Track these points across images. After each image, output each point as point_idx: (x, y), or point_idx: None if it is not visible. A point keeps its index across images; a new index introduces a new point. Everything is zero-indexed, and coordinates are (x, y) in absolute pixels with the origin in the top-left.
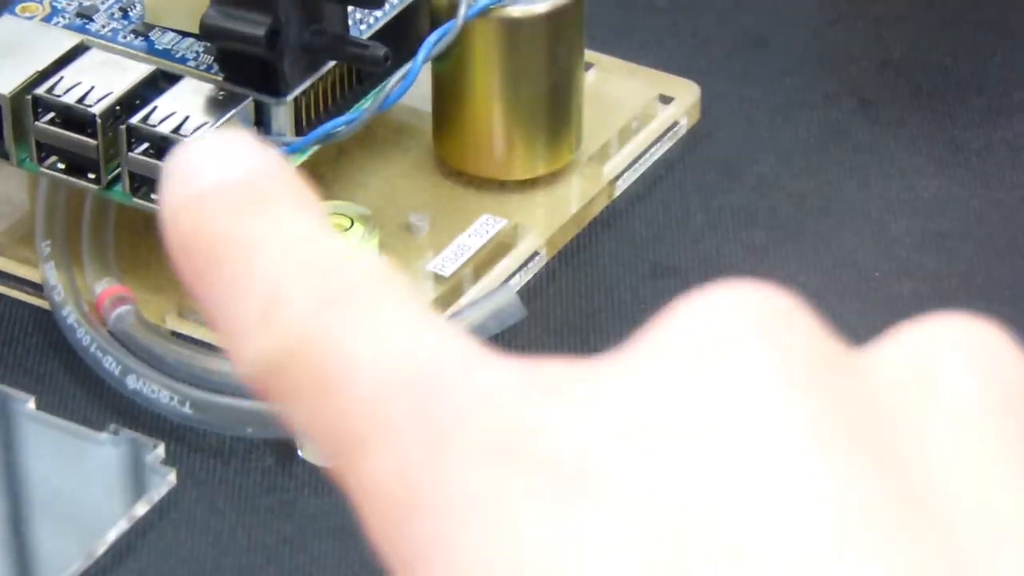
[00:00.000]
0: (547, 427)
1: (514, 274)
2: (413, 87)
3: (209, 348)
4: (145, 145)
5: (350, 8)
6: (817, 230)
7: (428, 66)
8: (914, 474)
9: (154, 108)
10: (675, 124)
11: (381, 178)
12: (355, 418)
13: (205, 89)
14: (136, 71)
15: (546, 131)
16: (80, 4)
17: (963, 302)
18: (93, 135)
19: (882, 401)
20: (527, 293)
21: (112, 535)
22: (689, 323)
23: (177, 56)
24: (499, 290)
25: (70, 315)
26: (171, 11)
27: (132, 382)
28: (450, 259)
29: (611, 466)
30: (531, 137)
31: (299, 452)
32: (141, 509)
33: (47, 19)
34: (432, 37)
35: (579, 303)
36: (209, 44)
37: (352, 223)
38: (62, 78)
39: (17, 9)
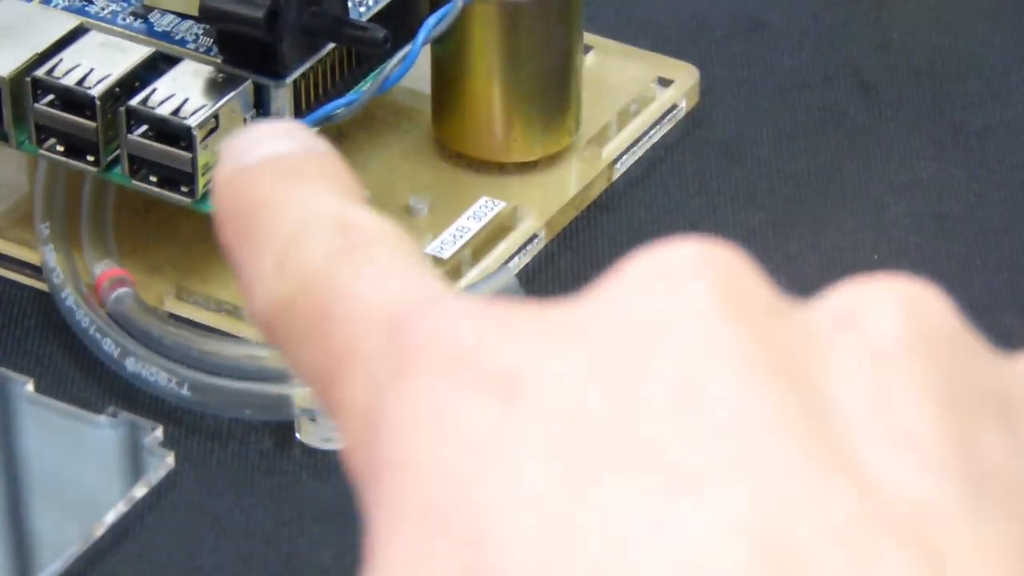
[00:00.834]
0: (495, 346)
1: (513, 256)
2: (412, 69)
3: (207, 330)
4: (144, 127)
5: None
6: (816, 212)
7: (427, 48)
8: (821, 399)
9: (153, 90)
10: (674, 107)
11: (380, 160)
12: (338, 351)
13: (204, 71)
14: (135, 53)
15: (545, 114)
16: None
17: (962, 283)
18: (92, 117)
19: (808, 338)
20: (526, 275)
21: (110, 517)
22: (639, 268)
23: (176, 38)
24: (498, 272)
25: (69, 297)
26: None
27: (131, 364)
28: (449, 241)
29: (546, 379)
30: (530, 119)
31: (297, 435)
32: (139, 491)
33: (46, 1)
34: (431, 19)
35: (578, 285)
36: (208, 26)
37: None
38: (61, 60)
39: None
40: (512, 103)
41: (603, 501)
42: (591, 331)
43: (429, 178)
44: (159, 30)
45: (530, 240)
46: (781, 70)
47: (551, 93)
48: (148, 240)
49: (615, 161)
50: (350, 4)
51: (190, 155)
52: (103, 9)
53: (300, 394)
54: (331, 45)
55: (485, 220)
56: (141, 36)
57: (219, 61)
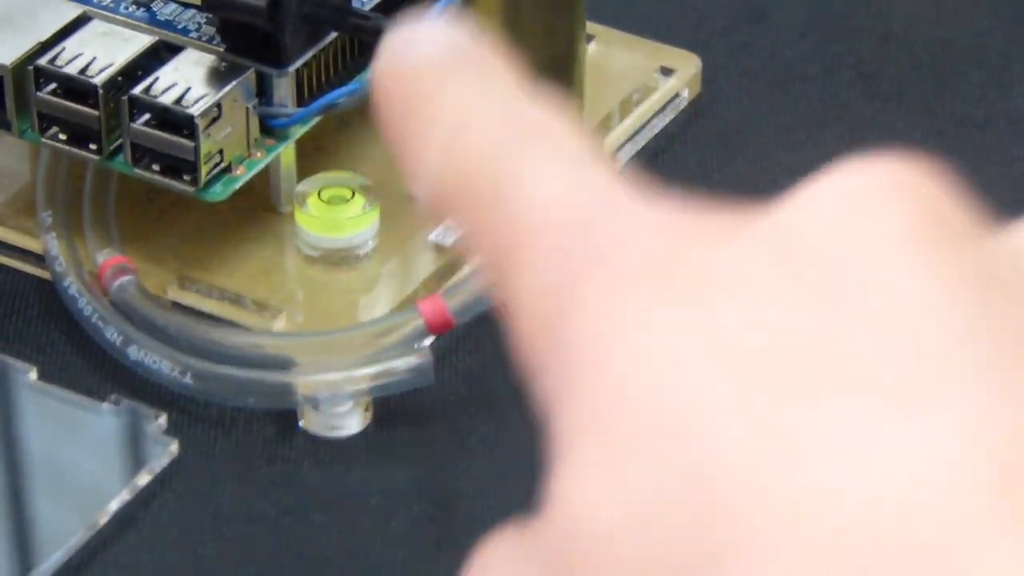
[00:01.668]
0: (690, 256)
1: None
2: None
3: (210, 319)
4: (147, 116)
5: None
6: None
7: None
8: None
9: (156, 79)
10: (676, 96)
11: (382, 149)
12: (517, 238)
13: (207, 60)
14: (138, 42)
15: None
16: None
17: None
18: (95, 106)
19: (1009, 267)
20: None
21: (114, 505)
22: (833, 186)
23: (179, 27)
24: None
25: (71, 285)
26: None
27: (134, 352)
28: (451, 230)
29: (747, 290)
30: None
31: (300, 423)
32: (143, 479)
33: None
34: (434, 8)
35: None
36: (211, 15)
37: (353, 194)
38: (64, 49)
39: None
40: None
41: (823, 414)
42: (788, 248)
43: None
44: (162, 19)
45: None
46: (782, 61)
47: (553, 82)
48: (151, 228)
49: (617, 151)
50: None
51: (193, 144)
52: None
53: (303, 382)
54: (333, 34)
55: None
56: (143, 25)
57: (222, 50)
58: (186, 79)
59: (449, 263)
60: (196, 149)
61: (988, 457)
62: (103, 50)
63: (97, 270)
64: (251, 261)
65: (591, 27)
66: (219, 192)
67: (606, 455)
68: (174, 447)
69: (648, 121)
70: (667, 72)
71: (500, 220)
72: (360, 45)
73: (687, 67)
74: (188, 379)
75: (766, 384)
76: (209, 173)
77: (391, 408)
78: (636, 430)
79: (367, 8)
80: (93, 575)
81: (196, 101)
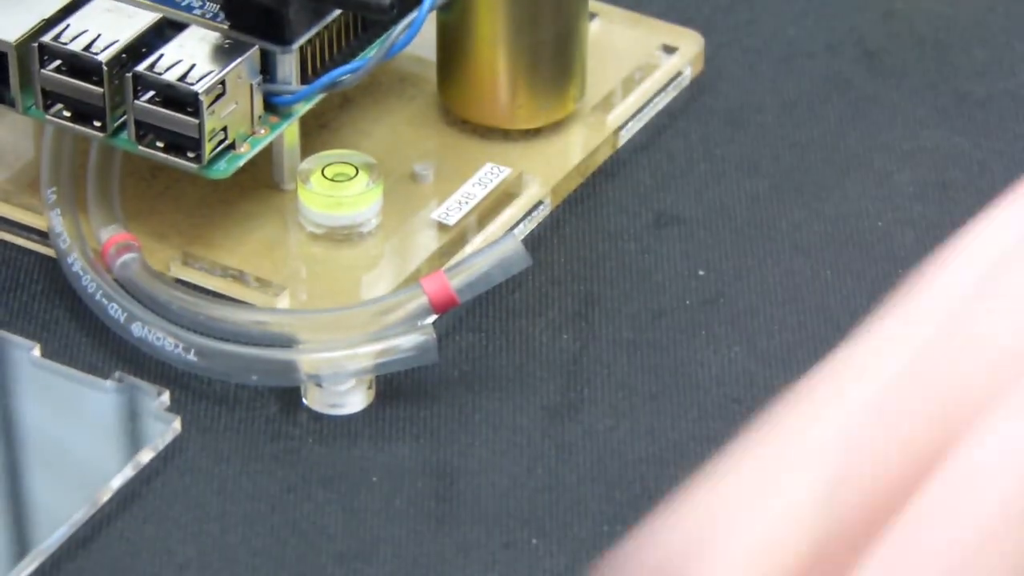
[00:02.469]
0: None
1: (519, 223)
2: (418, 36)
3: (214, 296)
4: (151, 93)
5: None
6: (820, 180)
7: (433, 15)
8: None
9: (160, 56)
10: (679, 74)
11: (386, 127)
12: None
13: (211, 37)
14: (142, 19)
15: (550, 80)
16: None
17: None
18: (99, 83)
19: None
20: (532, 241)
21: (117, 482)
22: None
23: (183, 4)
24: (504, 238)
25: (75, 262)
26: None
27: (137, 329)
28: (455, 208)
29: None
30: (535, 86)
31: (303, 400)
32: (146, 456)
33: None
34: None
35: (583, 252)
36: None
37: (357, 172)
38: (68, 26)
39: None
40: (517, 70)
41: None
42: None
43: (435, 144)
44: None
45: (536, 206)
46: (785, 38)
47: (556, 60)
48: (154, 205)
49: (620, 128)
50: None
51: (197, 121)
52: None
53: (306, 360)
54: (337, 12)
55: (490, 187)
56: (148, 2)
57: (226, 27)
58: (190, 56)
59: (452, 241)
60: (200, 126)
61: None
62: (107, 27)
63: (101, 247)
64: (255, 238)
65: (594, 5)
66: (223, 169)
67: None
68: (177, 424)
69: (651, 99)
70: (670, 50)
71: None
72: (364, 23)
73: (690, 45)
74: (192, 356)
75: None
76: (213, 150)
77: (394, 386)
78: None
79: None
80: (96, 550)
81: (200, 78)
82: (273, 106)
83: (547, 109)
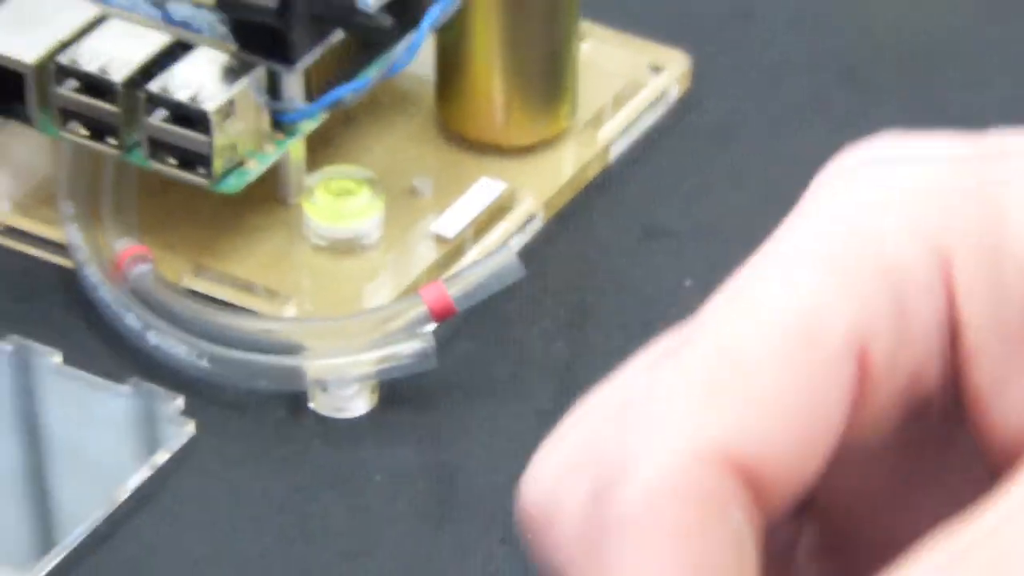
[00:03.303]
0: None
1: (513, 236)
2: (417, 56)
3: (224, 305)
4: (163, 112)
5: None
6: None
7: (432, 35)
8: None
9: (172, 76)
10: (666, 92)
11: (386, 143)
12: None
13: (220, 58)
14: (154, 41)
15: (543, 98)
16: None
17: None
18: (114, 102)
19: None
20: (525, 254)
21: (134, 482)
22: None
23: (193, 26)
24: (499, 251)
25: (92, 274)
26: None
27: (152, 337)
28: (452, 221)
29: None
30: (529, 104)
31: (310, 404)
32: (161, 458)
33: None
34: (436, 7)
35: (575, 263)
36: (224, 15)
37: (359, 186)
38: (84, 47)
39: None
40: (512, 88)
41: None
42: None
43: (433, 160)
44: (177, 18)
45: (529, 220)
46: (768, 57)
47: (549, 78)
48: (167, 219)
49: (610, 144)
50: None
51: (207, 138)
52: None
53: (312, 366)
54: (340, 32)
55: (486, 201)
56: (159, 23)
57: (234, 48)
58: (200, 76)
59: (450, 253)
60: (211, 143)
61: None
62: (121, 48)
63: (116, 259)
64: (262, 250)
65: (584, 25)
66: (233, 184)
67: None
68: (190, 427)
69: (640, 116)
70: (658, 69)
71: None
72: (365, 43)
73: (677, 64)
74: (204, 363)
75: None
76: (223, 166)
77: (396, 391)
78: None
79: (372, 8)
80: (114, 548)
81: (210, 97)
82: (279, 124)
83: (540, 126)
